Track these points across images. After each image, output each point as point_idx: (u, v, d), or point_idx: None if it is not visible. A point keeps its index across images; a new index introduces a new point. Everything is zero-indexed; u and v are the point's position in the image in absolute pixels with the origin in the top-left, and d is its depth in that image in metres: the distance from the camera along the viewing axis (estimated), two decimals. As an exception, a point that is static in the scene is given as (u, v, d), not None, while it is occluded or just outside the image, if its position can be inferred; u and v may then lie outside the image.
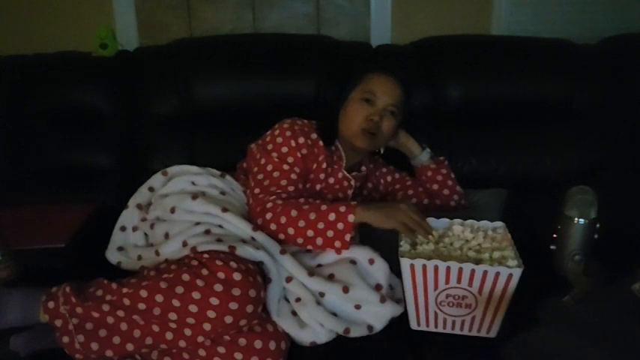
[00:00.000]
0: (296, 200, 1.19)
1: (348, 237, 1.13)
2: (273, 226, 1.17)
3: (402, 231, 1.12)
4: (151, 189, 1.35)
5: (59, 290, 1.08)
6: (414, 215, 1.12)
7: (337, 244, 1.15)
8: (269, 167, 1.25)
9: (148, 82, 1.67)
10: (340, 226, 1.13)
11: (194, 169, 1.36)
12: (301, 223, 1.15)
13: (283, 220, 1.16)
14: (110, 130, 1.65)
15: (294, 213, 1.15)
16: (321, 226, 1.14)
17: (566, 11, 2.07)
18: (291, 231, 1.16)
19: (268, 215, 1.17)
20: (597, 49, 1.76)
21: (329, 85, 1.65)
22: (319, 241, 1.15)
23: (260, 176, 1.25)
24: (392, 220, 1.12)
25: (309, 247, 1.18)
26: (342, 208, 1.14)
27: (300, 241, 1.17)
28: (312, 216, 1.15)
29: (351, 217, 1.13)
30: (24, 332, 1.05)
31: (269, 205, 1.18)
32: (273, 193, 1.20)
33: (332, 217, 1.14)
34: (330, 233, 1.14)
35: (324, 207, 1.15)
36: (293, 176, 1.25)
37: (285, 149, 1.26)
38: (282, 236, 1.17)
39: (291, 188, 1.23)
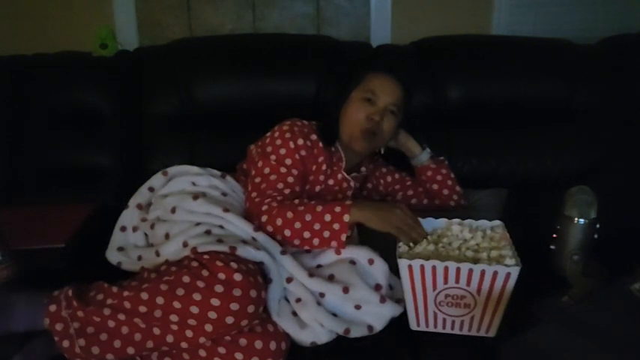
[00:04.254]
0: (291, 202, 1.19)
1: (344, 237, 1.14)
2: (269, 228, 1.17)
3: (395, 234, 1.12)
4: (151, 189, 1.35)
5: (61, 294, 1.08)
6: (408, 220, 1.13)
7: (334, 243, 1.15)
8: (266, 170, 1.25)
9: (148, 82, 1.67)
10: (336, 226, 1.14)
11: (194, 169, 1.36)
12: (297, 225, 1.15)
13: (279, 222, 1.16)
14: (110, 130, 1.65)
15: (289, 215, 1.16)
16: (317, 227, 1.15)
17: (566, 11, 2.07)
18: (287, 232, 1.16)
19: (264, 218, 1.18)
20: (597, 49, 1.76)
21: (329, 85, 1.65)
22: (316, 241, 1.16)
23: (257, 179, 1.25)
24: (386, 223, 1.12)
25: (306, 247, 1.18)
26: (338, 209, 1.14)
27: (296, 242, 1.17)
28: (308, 217, 1.15)
29: (346, 217, 1.13)
30: (22, 351, 1.04)
31: (264, 207, 1.18)
32: (269, 196, 1.21)
33: (327, 217, 1.14)
34: (326, 234, 1.15)
35: (319, 208, 1.16)
36: (290, 179, 1.25)
37: (283, 151, 1.26)
38: (278, 237, 1.18)
39: (287, 191, 1.23)
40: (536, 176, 1.68)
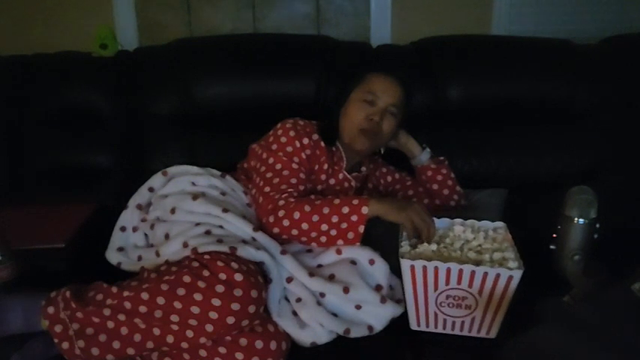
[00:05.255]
0: (307, 197, 1.20)
1: (361, 229, 1.14)
2: (285, 223, 1.17)
3: (407, 227, 1.13)
4: (150, 189, 1.35)
5: (59, 295, 1.07)
6: (425, 216, 1.14)
7: (350, 235, 1.16)
8: (278, 166, 1.25)
9: (148, 82, 1.67)
10: (354, 218, 1.14)
11: (194, 169, 1.35)
12: (315, 218, 1.16)
13: (297, 215, 1.16)
14: (110, 130, 1.65)
15: (307, 208, 1.16)
16: (335, 219, 1.15)
17: (566, 11, 2.07)
18: (305, 226, 1.16)
19: (281, 212, 1.18)
20: (597, 49, 1.76)
21: (329, 85, 1.65)
22: (333, 232, 1.16)
23: (269, 174, 1.25)
24: (402, 214, 1.13)
25: (322, 238, 1.18)
26: (356, 201, 1.15)
27: (313, 235, 1.17)
28: (326, 210, 1.15)
29: (365, 210, 1.14)
30: (20, 351, 1.04)
31: (281, 202, 1.19)
32: (284, 191, 1.21)
33: (345, 210, 1.15)
34: (343, 225, 1.15)
35: (337, 201, 1.16)
36: (302, 175, 1.25)
37: (290, 149, 1.27)
38: (295, 232, 1.18)
39: (301, 187, 1.24)
40: (536, 176, 1.68)
